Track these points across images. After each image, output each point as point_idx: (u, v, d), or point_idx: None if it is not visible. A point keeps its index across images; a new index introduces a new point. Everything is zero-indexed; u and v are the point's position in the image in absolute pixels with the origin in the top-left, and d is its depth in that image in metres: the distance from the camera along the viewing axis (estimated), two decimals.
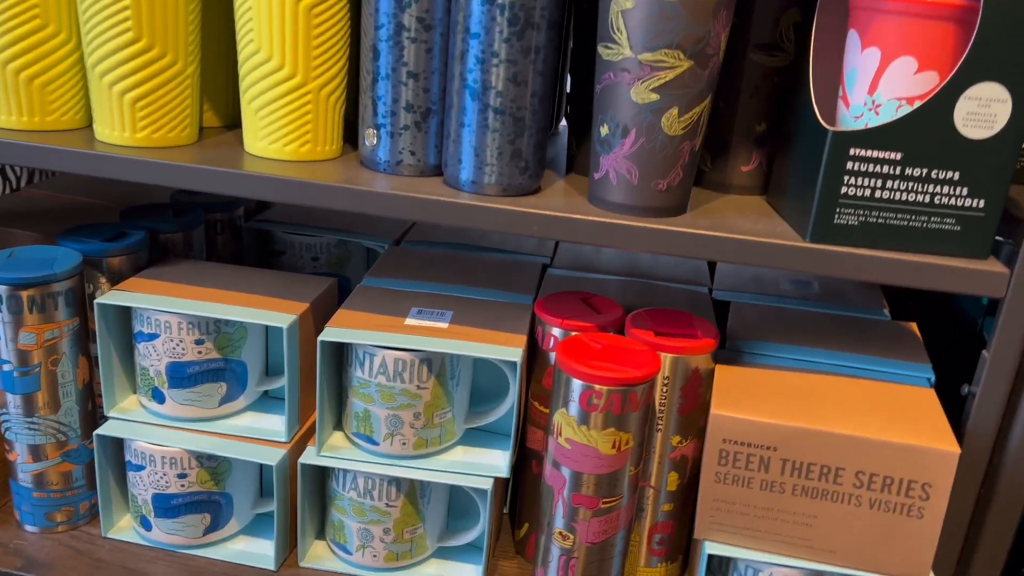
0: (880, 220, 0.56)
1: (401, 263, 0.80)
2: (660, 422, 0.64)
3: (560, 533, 0.61)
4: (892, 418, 0.57)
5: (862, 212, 0.56)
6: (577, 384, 0.57)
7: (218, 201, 0.87)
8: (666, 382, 0.63)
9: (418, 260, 0.81)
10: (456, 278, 0.77)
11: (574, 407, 0.58)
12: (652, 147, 0.57)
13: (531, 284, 0.78)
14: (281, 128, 0.64)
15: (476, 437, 0.71)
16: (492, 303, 0.72)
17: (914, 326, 0.73)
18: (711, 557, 0.62)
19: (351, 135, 0.72)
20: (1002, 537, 0.62)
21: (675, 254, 0.58)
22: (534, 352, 0.69)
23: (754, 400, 0.59)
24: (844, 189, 0.55)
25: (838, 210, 0.56)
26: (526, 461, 0.71)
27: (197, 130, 0.68)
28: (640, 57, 0.55)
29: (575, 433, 0.58)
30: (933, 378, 0.64)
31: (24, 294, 0.64)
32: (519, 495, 0.74)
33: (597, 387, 0.57)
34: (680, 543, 0.69)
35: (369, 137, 0.64)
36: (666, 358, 0.62)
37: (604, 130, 0.58)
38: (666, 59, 0.55)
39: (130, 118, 0.64)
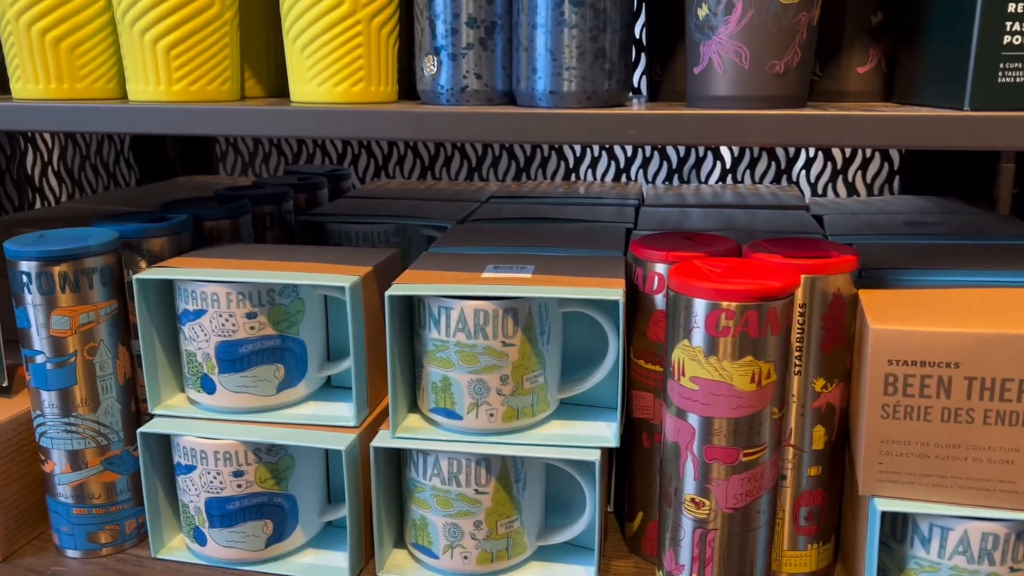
0: None
1: (470, 236, 0.71)
2: (798, 362, 0.53)
3: (692, 500, 0.50)
4: None
5: None
6: (701, 305, 0.47)
7: (265, 194, 0.80)
8: (802, 311, 0.52)
9: (488, 232, 0.73)
10: (533, 242, 0.68)
11: (699, 335, 0.48)
12: (764, 20, 0.48)
13: (618, 243, 0.68)
14: (330, 66, 0.57)
15: (572, 410, 0.61)
16: (577, 258, 0.63)
17: None
18: (884, 517, 0.50)
19: (411, 91, 0.65)
20: None
21: (806, 143, 0.48)
22: (633, 301, 0.59)
23: (918, 313, 0.48)
24: (1007, 38, 0.45)
25: (1002, 65, 0.46)
26: (634, 435, 0.60)
27: (238, 88, 0.61)
28: None
29: (703, 368, 0.48)
30: None
31: (56, 270, 0.57)
32: (628, 481, 0.62)
33: (727, 304, 0.46)
34: (832, 519, 0.57)
35: (428, 65, 0.57)
36: (803, 281, 0.52)
37: (702, 12, 0.50)
38: None
39: (165, 69, 0.57)
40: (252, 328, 0.59)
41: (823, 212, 0.81)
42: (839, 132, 0.48)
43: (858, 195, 0.98)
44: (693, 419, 0.49)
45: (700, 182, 1.02)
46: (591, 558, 0.59)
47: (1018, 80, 0.46)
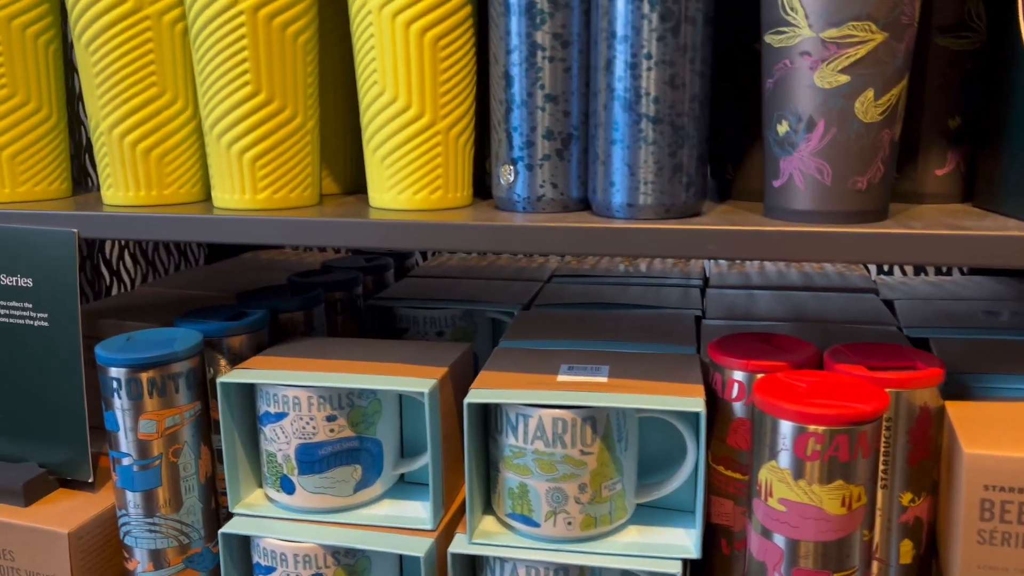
0: None
1: (537, 325, 0.72)
2: (884, 476, 0.52)
3: None
4: None
5: None
6: (788, 428, 0.47)
7: (336, 280, 0.82)
8: (888, 424, 0.51)
9: (555, 321, 0.73)
10: (602, 334, 0.68)
11: (787, 457, 0.47)
12: (846, 138, 0.48)
13: (688, 335, 0.68)
14: (411, 175, 0.58)
15: (649, 513, 0.60)
16: (650, 355, 0.63)
17: None
18: None
19: (480, 188, 0.66)
20: None
21: (889, 261, 0.48)
22: (711, 405, 0.58)
23: (1013, 433, 0.47)
24: None
25: None
26: (713, 542, 0.59)
27: (318, 191, 0.63)
28: (823, 35, 0.47)
29: (791, 491, 0.47)
30: None
31: (144, 376, 0.59)
32: None
33: (816, 428, 0.46)
34: None
35: (505, 174, 0.58)
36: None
37: (782, 128, 0.50)
38: (855, 33, 0.47)
39: (250, 179, 0.59)
40: (332, 431, 0.60)
41: (892, 296, 0.80)
42: (924, 250, 0.47)
43: (925, 273, 0.97)
44: (780, 540, 0.48)
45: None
46: None
47: None
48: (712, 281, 0.89)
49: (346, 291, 0.82)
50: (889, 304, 0.78)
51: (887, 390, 0.51)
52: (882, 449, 0.52)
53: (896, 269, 0.98)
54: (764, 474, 0.48)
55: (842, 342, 0.59)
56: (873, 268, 0.98)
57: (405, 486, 0.66)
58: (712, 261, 1.03)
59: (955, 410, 0.51)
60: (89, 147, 0.95)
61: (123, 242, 0.97)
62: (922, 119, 0.58)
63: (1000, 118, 0.53)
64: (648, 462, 0.60)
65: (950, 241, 0.47)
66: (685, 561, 0.56)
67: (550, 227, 0.53)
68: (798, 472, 0.47)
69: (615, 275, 0.92)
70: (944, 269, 0.96)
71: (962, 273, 0.95)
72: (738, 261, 1.03)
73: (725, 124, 0.62)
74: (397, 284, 0.89)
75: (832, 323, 0.71)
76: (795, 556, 0.48)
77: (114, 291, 0.98)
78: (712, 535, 0.59)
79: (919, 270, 0.97)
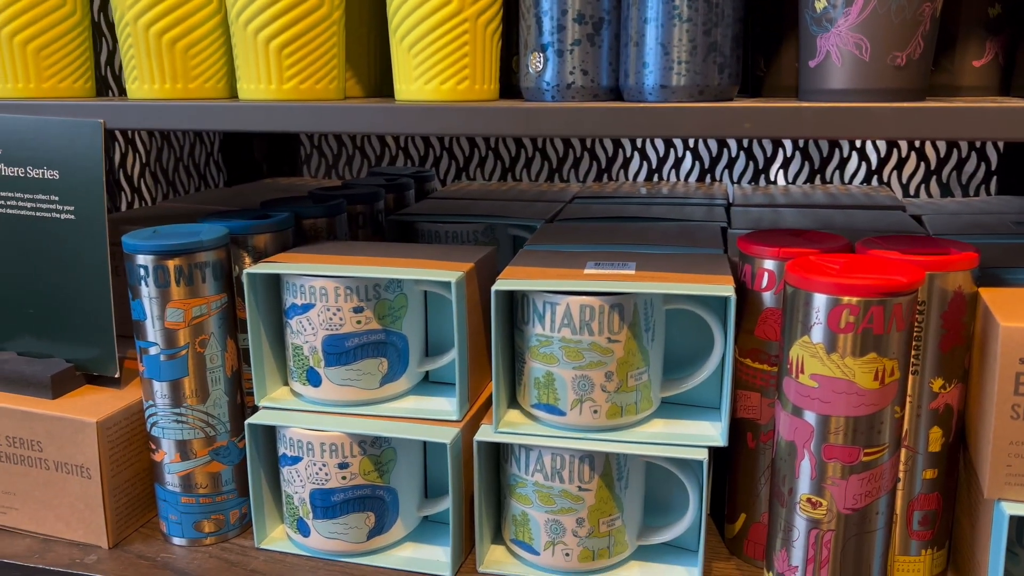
0: None
1: (562, 233, 0.71)
2: (915, 362, 0.52)
3: (808, 500, 0.49)
4: None
5: None
6: (823, 300, 0.46)
7: (357, 194, 0.82)
8: (922, 308, 0.51)
9: (580, 231, 0.73)
10: (628, 240, 0.68)
11: (820, 331, 0.47)
12: (887, 11, 0.47)
13: (715, 240, 0.67)
14: (437, 63, 0.57)
15: (675, 410, 0.60)
16: (678, 255, 0.62)
17: None
18: (1012, 522, 0.48)
19: (507, 89, 0.65)
20: None
21: (928, 136, 0.47)
22: (740, 299, 0.58)
23: None
24: None
25: None
26: (739, 435, 0.59)
27: (343, 87, 0.62)
28: None
29: (824, 365, 0.47)
30: None
31: (171, 263, 0.59)
32: (731, 482, 0.62)
33: (850, 299, 0.46)
34: (946, 524, 0.55)
35: (534, 62, 0.57)
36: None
37: (820, 4, 0.49)
38: None
39: (276, 68, 0.59)
40: (359, 322, 0.60)
41: (921, 212, 0.79)
42: (964, 124, 0.46)
43: (952, 196, 0.96)
44: (811, 417, 0.48)
45: (788, 183, 1.00)
46: (694, 559, 0.59)
47: None
48: (736, 201, 0.88)
49: (368, 204, 0.82)
50: (918, 219, 0.77)
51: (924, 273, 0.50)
52: (914, 332, 0.51)
53: (923, 191, 0.96)
54: (796, 351, 0.48)
55: None
56: (899, 191, 0.97)
57: (430, 385, 0.66)
58: (736, 185, 1.02)
59: (990, 295, 0.50)
60: (110, 60, 0.94)
61: (143, 160, 0.97)
62: (960, 7, 0.56)
63: None
64: (674, 359, 0.60)
65: (987, 114, 0.46)
66: (710, 450, 0.56)
67: (580, 108, 0.52)
68: (831, 346, 0.46)
69: (638, 196, 0.91)
70: (972, 190, 0.95)
71: (988, 194, 0.94)
72: (762, 184, 1.02)
73: (757, 17, 0.61)
74: (419, 203, 0.89)
75: (861, 231, 0.70)
76: (826, 432, 0.48)
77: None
78: (738, 428, 0.59)
79: (946, 191, 0.96)
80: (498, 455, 0.61)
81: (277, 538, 0.64)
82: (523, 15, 0.57)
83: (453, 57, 0.57)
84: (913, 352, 0.52)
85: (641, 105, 0.51)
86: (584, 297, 0.55)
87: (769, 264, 0.55)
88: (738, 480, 0.60)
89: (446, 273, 0.58)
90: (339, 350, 0.60)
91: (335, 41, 0.61)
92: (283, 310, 0.62)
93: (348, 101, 0.61)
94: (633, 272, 0.57)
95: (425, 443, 0.63)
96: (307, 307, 0.60)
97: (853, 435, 0.47)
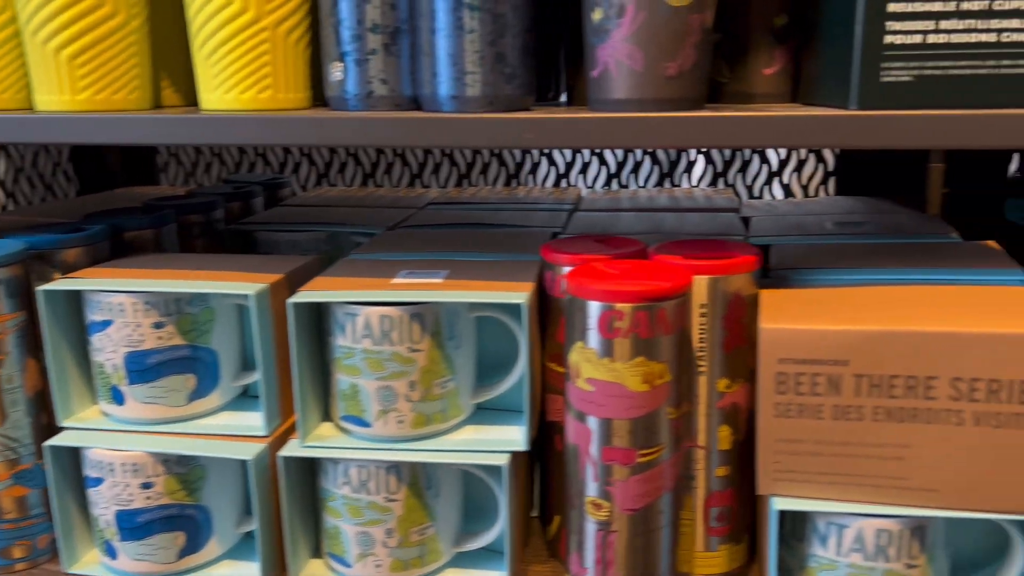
0: (937, 71, 0.46)
1: (394, 242, 0.71)
2: (702, 363, 0.53)
3: (592, 502, 0.50)
4: (985, 312, 0.46)
5: (914, 64, 0.46)
6: (594, 307, 0.47)
7: (193, 203, 0.80)
8: (704, 311, 0.52)
9: (414, 238, 0.72)
10: (455, 247, 0.68)
11: (593, 336, 0.48)
12: (655, 22, 0.48)
13: (540, 247, 0.68)
14: (236, 72, 0.56)
15: (491, 416, 0.61)
16: (496, 263, 0.63)
17: (993, 243, 0.62)
18: (783, 517, 0.50)
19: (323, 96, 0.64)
20: None
21: (692, 145, 0.48)
22: (546, 306, 0.59)
23: (812, 311, 0.48)
24: (889, 38, 0.46)
25: (884, 65, 0.46)
26: (549, 438, 0.60)
27: (150, 96, 0.61)
28: None
29: (597, 370, 0.48)
30: None
31: None
32: (546, 485, 0.62)
33: (618, 306, 0.47)
34: (744, 520, 0.57)
35: (334, 71, 0.56)
36: (701, 281, 0.52)
37: (597, 15, 0.50)
38: None
39: (68, 78, 0.57)
40: (160, 338, 0.58)
41: (753, 214, 0.82)
42: (725, 134, 0.48)
43: (794, 197, 0.99)
44: (591, 421, 0.49)
45: (639, 186, 1.02)
46: (504, 562, 0.59)
47: (901, 79, 0.46)
48: (583, 206, 0.89)
49: (204, 214, 0.80)
50: (747, 220, 0.80)
51: (701, 277, 0.52)
52: (698, 334, 0.53)
53: (767, 193, 1.00)
54: (574, 356, 0.49)
55: None
56: (745, 193, 1.00)
57: (251, 400, 0.65)
58: (590, 189, 1.03)
59: (767, 296, 0.52)
60: None
61: None
62: (749, 17, 0.58)
63: (814, 15, 0.54)
64: (494, 366, 0.60)
65: (746, 123, 0.47)
66: (515, 454, 0.56)
67: (374, 118, 0.52)
68: (603, 350, 0.47)
69: (491, 201, 0.91)
70: (812, 191, 0.98)
71: (827, 195, 0.97)
72: (614, 188, 1.04)
73: (719, 24, 0.60)
74: (266, 211, 0.87)
75: (685, 235, 0.72)
76: (603, 435, 0.48)
77: None
78: (549, 434, 0.60)
79: (788, 193, 0.99)
80: (314, 470, 0.60)
81: (89, 562, 0.62)
82: (322, 23, 0.57)
83: (253, 66, 0.57)
84: (701, 353, 0.53)
85: (428, 116, 0.51)
86: (383, 308, 0.54)
87: (565, 271, 0.56)
88: (551, 483, 0.61)
89: (246, 286, 0.57)
90: (141, 367, 0.58)
91: (135, 50, 0.59)
92: (85, 327, 0.60)
93: (158, 111, 0.60)
94: (440, 281, 0.57)
95: (242, 461, 0.62)
96: (106, 324, 0.58)
97: (628, 437, 0.48)
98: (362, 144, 0.53)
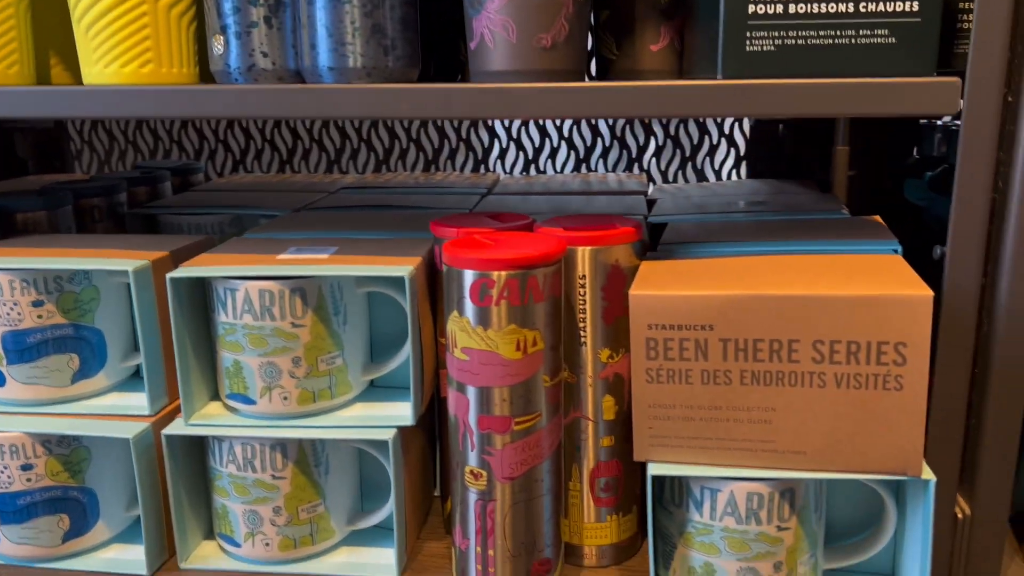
0: (799, 41, 0.47)
1: (294, 223, 0.70)
2: (584, 334, 0.54)
3: (471, 472, 0.50)
4: (848, 277, 0.47)
5: (777, 33, 0.47)
6: (467, 275, 0.47)
7: (94, 187, 0.78)
8: (583, 281, 0.53)
9: (315, 219, 0.72)
10: (356, 228, 0.67)
11: (467, 305, 0.48)
12: None
13: None
14: (116, 47, 0.56)
15: (383, 393, 0.60)
16: (388, 240, 0.62)
17: (877, 217, 0.64)
18: (657, 482, 0.51)
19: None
20: (1009, 419, 0.51)
21: (563, 115, 0.49)
22: (438, 283, 0.59)
23: (681, 279, 0.49)
24: (752, 7, 0.47)
25: (748, 35, 0.47)
26: (443, 416, 0.60)
27: (31, 71, 0.60)
28: None
29: (471, 338, 0.48)
30: (900, 248, 0.55)
31: None
32: (444, 463, 0.62)
33: (487, 273, 0.47)
34: (632, 490, 0.58)
35: (216, 44, 0.56)
36: (581, 252, 0.52)
37: None
38: None
39: None
40: (40, 317, 0.57)
41: (661, 196, 0.83)
42: (603, 103, 0.48)
43: (707, 181, 1.00)
44: (469, 391, 0.49)
45: (556, 171, 1.03)
46: (393, 538, 0.59)
47: (765, 49, 0.47)
48: (497, 189, 0.89)
49: (105, 197, 0.79)
50: (653, 202, 0.81)
51: (581, 248, 0.52)
52: (579, 305, 0.53)
53: (680, 177, 1.01)
54: (450, 326, 0.49)
55: None
56: (659, 177, 1.02)
57: (141, 381, 0.63)
58: (506, 173, 1.03)
59: (645, 267, 0.53)
60: None
61: None
62: None
63: None
64: (389, 341, 0.60)
65: (617, 93, 0.48)
66: (405, 429, 0.56)
67: (248, 90, 0.51)
68: (476, 319, 0.47)
69: (407, 185, 0.91)
70: (724, 175, 1.00)
71: (740, 178, 0.99)
72: (532, 173, 1.04)
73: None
74: (174, 196, 0.86)
75: (594, 213, 0.72)
76: (479, 403, 0.49)
77: None
78: (443, 408, 0.60)
79: (701, 177, 1.01)
80: (200, 447, 0.59)
81: None
82: None
83: (132, 40, 0.56)
84: (582, 324, 0.54)
85: (303, 87, 0.51)
86: (263, 282, 0.54)
87: None
88: (445, 459, 0.61)
89: (125, 262, 0.56)
90: (21, 347, 0.57)
91: (12, 24, 0.58)
92: None
93: (38, 87, 0.58)
94: (326, 256, 0.57)
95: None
96: None
97: (503, 405, 0.48)
98: (237, 116, 0.52)
